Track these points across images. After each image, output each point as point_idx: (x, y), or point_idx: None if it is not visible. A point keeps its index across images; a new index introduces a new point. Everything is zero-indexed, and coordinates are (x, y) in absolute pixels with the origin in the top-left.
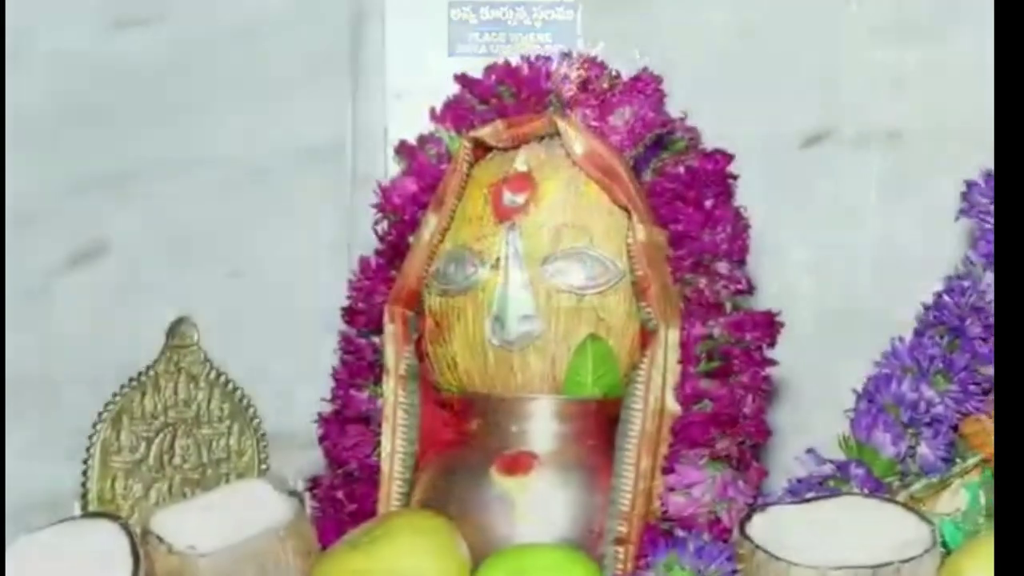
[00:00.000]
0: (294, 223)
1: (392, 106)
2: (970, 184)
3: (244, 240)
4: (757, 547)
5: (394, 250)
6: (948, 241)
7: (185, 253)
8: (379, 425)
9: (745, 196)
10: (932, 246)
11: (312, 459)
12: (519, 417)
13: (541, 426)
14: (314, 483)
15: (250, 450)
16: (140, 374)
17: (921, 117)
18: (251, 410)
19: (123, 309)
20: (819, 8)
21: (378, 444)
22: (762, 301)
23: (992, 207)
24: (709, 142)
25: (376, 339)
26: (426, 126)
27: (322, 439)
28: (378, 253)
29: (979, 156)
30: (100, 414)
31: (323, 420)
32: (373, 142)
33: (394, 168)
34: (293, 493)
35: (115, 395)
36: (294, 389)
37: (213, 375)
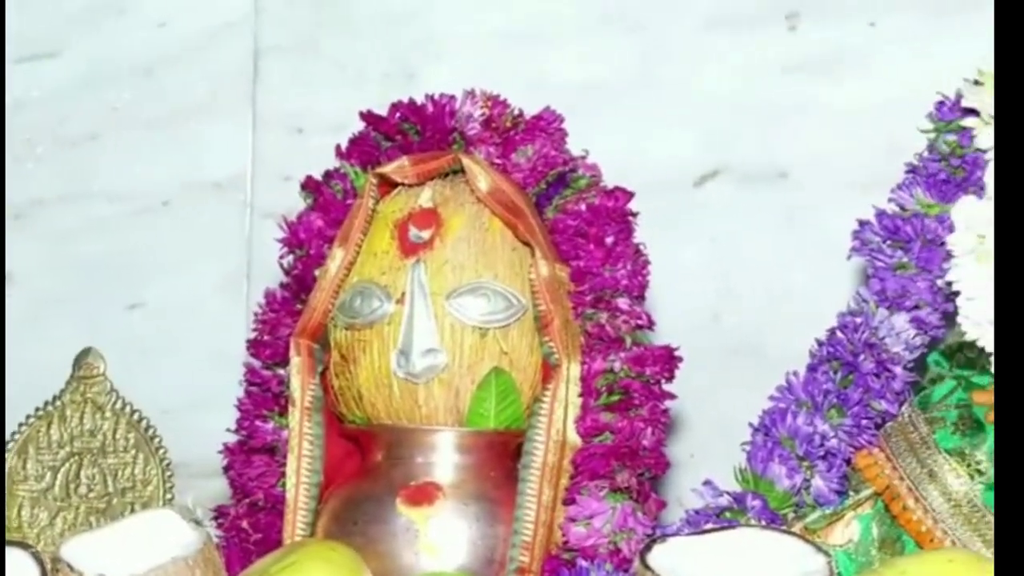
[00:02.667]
0: (194, 255)
1: (292, 141)
2: (862, 223)
3: (145, 271)
4: None
5: (300, 283)
6: (839, 278)
7: (87, 284)
8: (284, 456)
9: (643, 233)
10: (823, 283)
11: (214, 489)
12: (423, 449)
13: (445, 458)
14: (219, 513)
15: (155, 479)
16: (46, 403)
17: (810, 156)
18: (156, 440)
19: (27, 339)
20: (713, 47)
21: (283, 474)
22: (661, 336)
23: (884, 245)
24: (610, 180)
25: (281, 371)
26: (328, 161)
27: (227, 469)
28: (283, 286)
29: (867, 195)
30: (6, 443)
31: (228, 450)
32: (272, 176)
33: (295, 202)
34: (199, 523)
35: (21, 425)
36: (194, 419)
37: (119, 405)
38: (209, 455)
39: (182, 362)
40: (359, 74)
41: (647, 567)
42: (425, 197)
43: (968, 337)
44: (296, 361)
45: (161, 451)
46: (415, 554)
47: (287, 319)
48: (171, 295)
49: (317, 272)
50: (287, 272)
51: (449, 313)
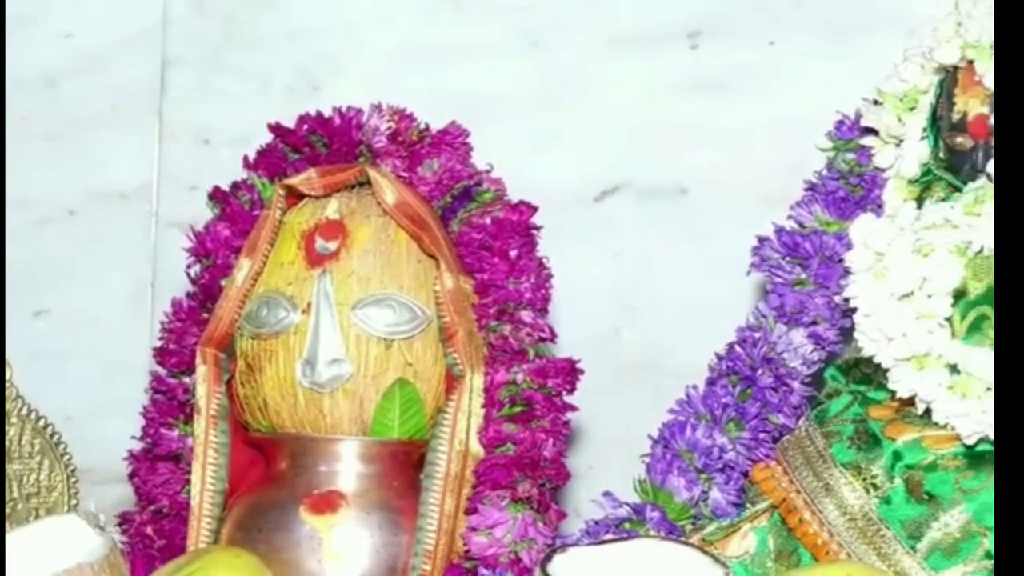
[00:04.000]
0: (100, 264)
1: (198, 152)
2: (761, 239)
3: (50, 280)
4: None
5: (206, 293)
6: (739, 293)
7: None
8: (189, 463)
9: (546, 247)
10: (723, 298)
11: (119, 495)
12: (327, 458)
13: (349, 467)
14: (124, 519)
15: (60, 485)
16: None
17: (710, 173)
18: (61, 446)
19: None
20: (616, 66)
21: (188, 482)
22: (563, 349)
23: (783, 261)
24: (514, 194)
25: (187, 379)
26: (234, 172)
27: (132, 476)
28: (190, 295)
29: (767, 212)
30: None
31: (133, 457)
32: (178, 186)
33: (201, 212)
34: (103, 529)
35: None
36: (99, 426)
37: (25, 411)
38: (114, 462)
39: (87, 370)
40: (264, 87)
41: None
42: (332, 209)
43: (865, 353)
44: (202, 370)
45: (66, 457)
46: (318, 562)
47: (193, 328)
48: (76, 303)
49: (224, 282)
50: (194, 281)
51: (354, 324)
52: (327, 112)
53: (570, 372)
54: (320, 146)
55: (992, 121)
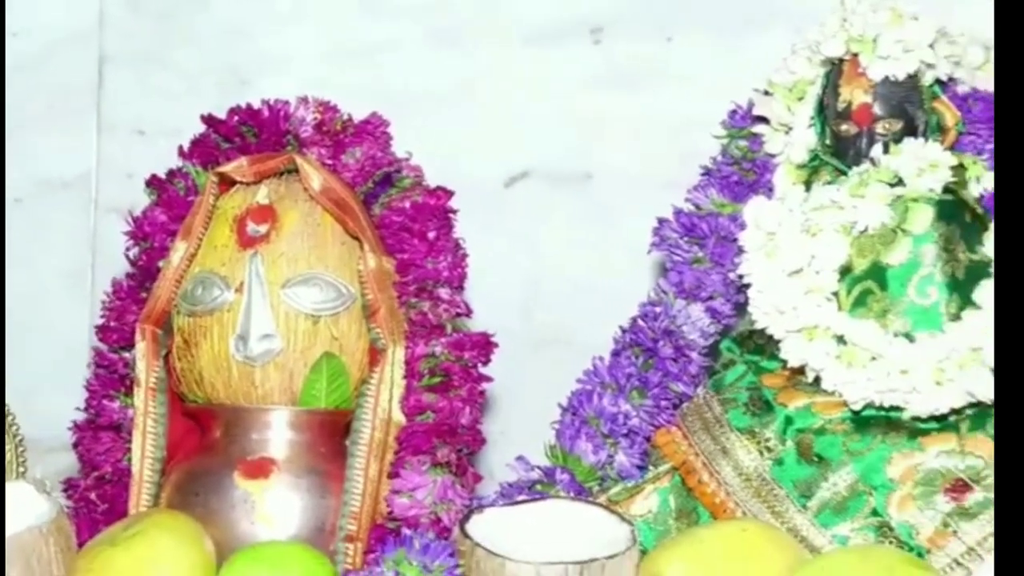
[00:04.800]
0: (42, 248)
1: (135, 142)
2: (661, 220)
3: None
4: (476, 545)
5: (145, 273)
6: (640, 271)
7: None
8: (130, 433)
9: (461, 228)
10: (626, 275)
11: (64, 463)
12: (259, 426)
13: (279, 435)
14: (69, 486)
15: (9, 454)
16: None
17: (613, 160)
18: (10, 417)
19: None
20: (525, 60)
21: (129, 450)
22: (478, 323)
23: (681, 241)
24: (431, 180)
25: (127, 354)
26: (169, 161)
27: (76, 445)
28: (129, 276)
29: (666, 196)
30: None
31: (77, 428)
32: (116, 174)
33: (139, 198)
34: (50, 494)
35: None
36: (43, 399)
37: None
38: (59, 432)
39: (33, 346)
40: (196, 82)
41: (466, 535)
42: (262, 194)
43: (758, 325)
44: (141, 345)
45: (14, 428)
46: (251, 523)
47: (133, 306)
48: (22, 285)
49: (161, 263)
50: (133, 263)
51: (284, 301)
52: (256, 104)
53: (485, 345)
54: (250, 136)
55: (875, 109)
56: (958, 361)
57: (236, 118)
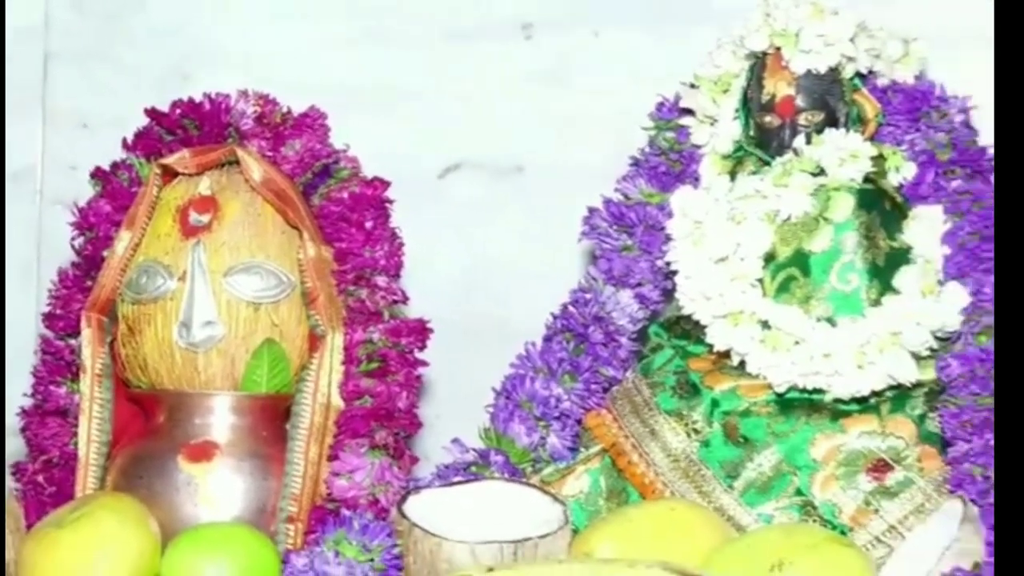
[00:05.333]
0: None
1: (79, 135)
2: (591, 210)
3: None
4: (414, 525)
5: (90, 263)
6: (570, 259)
7: None
8: (76, 418)
9: (398, 218)
10: (557, 263)
11: (11, 448)
12: (202, 411)
13: (221, 419)
14: (17, 469)
15: None
16: None
17: (545, 152)
18: None
19: None
20: (459, 55)
21: (75, 434)
22: (414, 310)
23: (610, 229)
24: (368, 171)
25: (73, 341)
26: (113, 153)
27: (24, 430)
28: (75, 266)
29: (595, 186)
30: None
31: (25, 413)
32: (61, 167)
33: (83, 190)
34: None
35: None
36: None
37: None
38: (7, 417)
39: None
40: (139, 77)
41: (403, 516)
42: (204, 185)
43: (685, 311)
44: (87, 332)
45: None
46: (195, 505)
47: (78, 295)
48: None
49: (106, 253)
50: (78, 253)
51: (226, 289)
52: (198, 98)
53: (421, 331)
54: (192, 129)
55: (798, 101)
56: (878, 345)
57: (178, 111)
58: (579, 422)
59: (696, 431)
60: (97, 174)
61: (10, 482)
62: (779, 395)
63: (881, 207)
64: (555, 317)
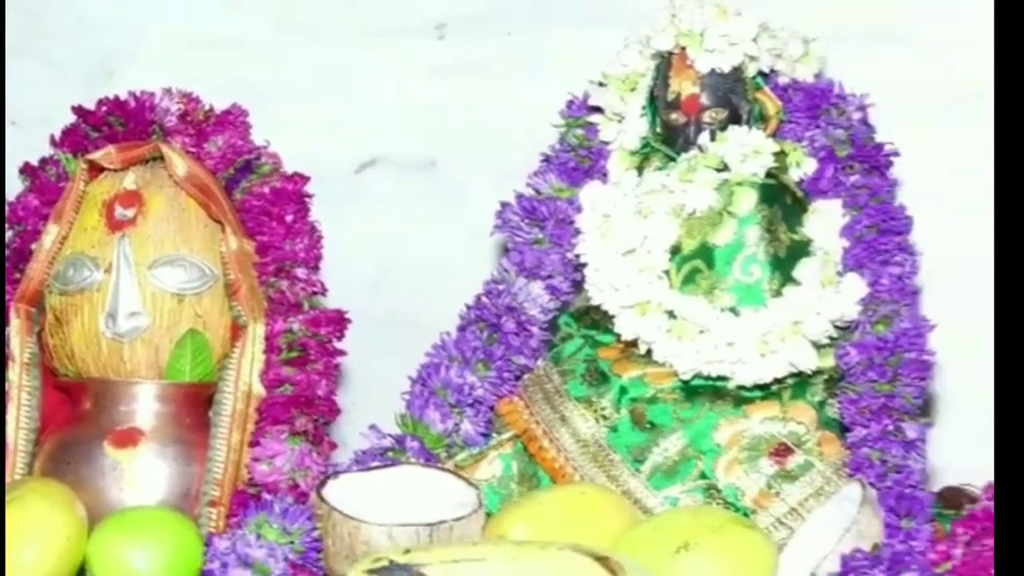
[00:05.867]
0: None
1: (7, 132)
2: (503, 204)
3: None
4: (332, 509)
5: (18, 256)
6: (484, 252)
7: None
8: (4, 406)
9: (317, 212)
10: (470, 256)
11: None
12: (127, 399)
13: (146, 406)
14: None
15: None
16: None
17: (458, 148)
18: None
19: None
20: (375, 53)
21: (3, 422)
22: (333, 301)
23: (522, 223)
24: (288, 167)
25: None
26: (41, 150)
27: None
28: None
29: (508, 181)
30: None
31: None
32: None
33: (12, 185)
34: None
35: None
36: None
37: None
38: None
39: None
40: (65, 74)
41: (323, 500)
42: (129, 180)
43: (594, 301)
44: (15, 323)
45: None
46: (120, 490)
47: (7, 287)
48: None
49: (34, 246)
50: (7, 246)
51: (150, 281)
52: (123, 96)
53: (339, 322)
54: (118, 125)
55: (702, 99)
56: (780, 334)
57: (104, 108)
58: (492, 409)
59: (605, 417)
60: (25, 169)
61: None
62: (684, 382)
63: (782, 201)
64: (469, 308)
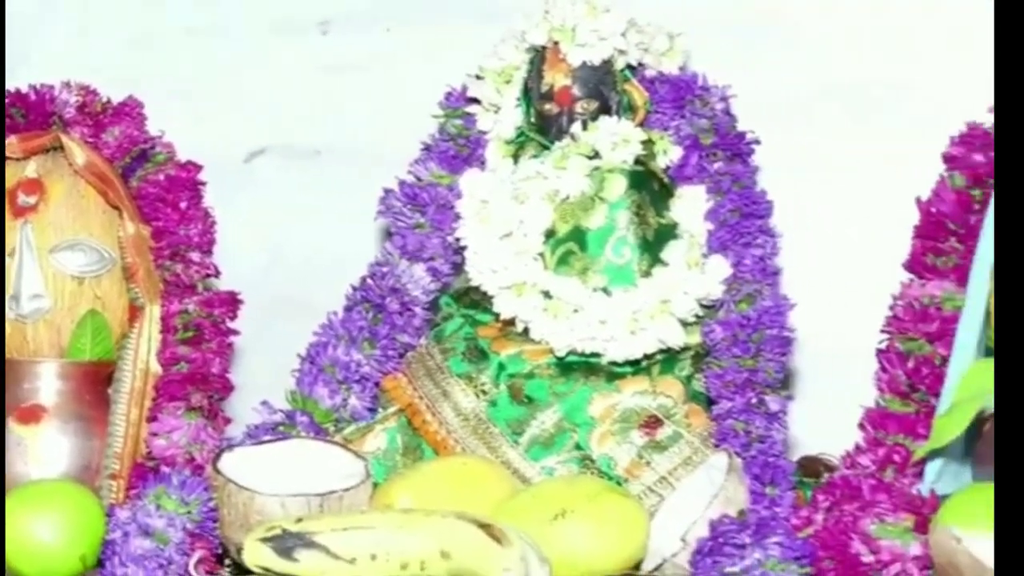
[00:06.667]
0: None
1: None
2: (386, 190)
3: None
4: (228, 480)
5: None
6: (367, 236)
7: None
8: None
9: (209, 199)
10: (354, 239)
11: None
12: (31, 377)
13: (48, 384)
14: None
15: None
16: None
17: (343, 138)
18: None
19: None
20: (261, 50)
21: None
22: (226, 284)
23: (404, 208)
24: (182, 155)
25: None
26: None
27: None
28: None
29: (388, 169)
30: None
31: None
32: None
33: None
34: None
35: None
36: None
37: None
38: None
39: None
40: None
41: (218, 472)
42: (31, 169)
43: (473, 283)
44: None
45: None
46: (25, 464)
47: None
48: None
49: None
50: None
51: (52, 265)
52: (24, 89)
53: (232, 303)
54: (19, 117)
55: (574, 91)
56: (649, 312)
57: (6, 100)
58: (377, 385)
59: (484, 392)
60: None
61: None
62: (560, 359)
63: (650, 187)
64: (355, 289)
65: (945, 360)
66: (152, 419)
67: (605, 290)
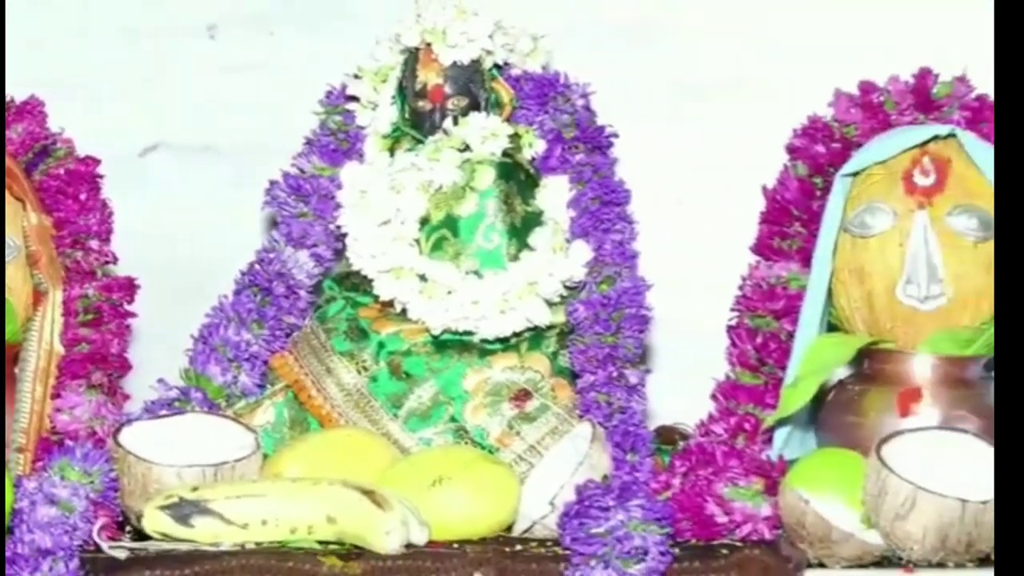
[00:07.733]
0: None
1: None
2: (272, 182)
3: None
4: (127, 452)
5: None
6: (256, 225)
7: None
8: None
9: (107, 191)
10: (244, 229)
11: None
12: None
13: None
14: None
15: None
16: None
17: (233, 134)
18: None
19: None
20: (156, 50)
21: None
22: (123, 270)
23: (289, 199)
24: (81, 150)
25: None
26: None
27: None
28: None
29: (274, 163)
30: None
31: None
32: None
33: None
34: None
35: None
36: None
37: None
38: None
39: None
40: None
41: (118, 444)
42: None
43: (354, 267)
44: None
45: None
46: None
47: None
48: None
49: None
50: None
51: None
52: None
53: (130, 288)
54: None
55: (446, 89)
56: (518, 294)
57: None
58: (266, 363)
59: (366, 368)
60: None
61: None
62: (435, 337)
63: (517, 177)
64: (243, 274)
65: (791, 335)
66: (56, 396)
67: (477, 273)
